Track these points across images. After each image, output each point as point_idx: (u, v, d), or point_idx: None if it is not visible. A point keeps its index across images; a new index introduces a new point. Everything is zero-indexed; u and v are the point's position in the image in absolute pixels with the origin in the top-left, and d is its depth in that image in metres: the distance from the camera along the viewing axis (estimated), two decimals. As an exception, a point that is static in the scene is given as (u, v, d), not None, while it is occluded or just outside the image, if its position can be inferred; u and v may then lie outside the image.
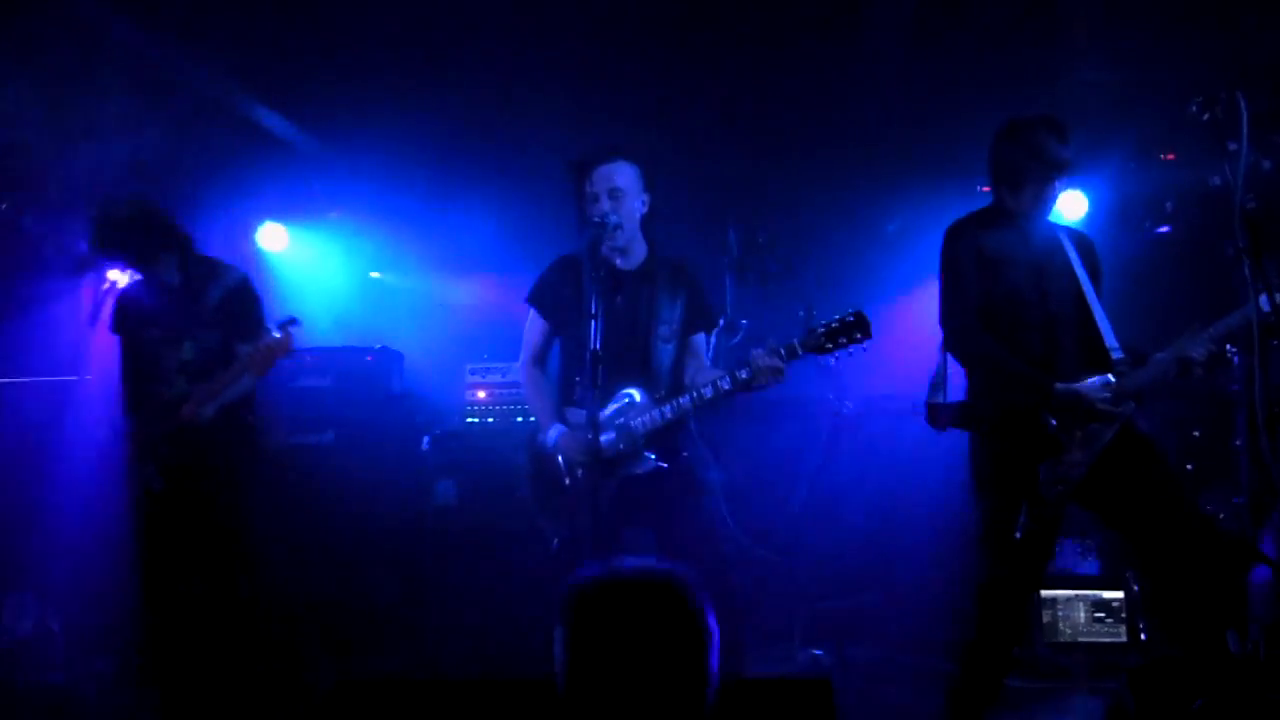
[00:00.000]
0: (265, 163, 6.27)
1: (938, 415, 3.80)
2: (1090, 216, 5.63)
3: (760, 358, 3.73)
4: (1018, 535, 3.55)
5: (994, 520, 3.63)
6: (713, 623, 2.21)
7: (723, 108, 5.73)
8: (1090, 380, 3.59)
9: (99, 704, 4.34)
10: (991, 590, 3.65)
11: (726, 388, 3.78)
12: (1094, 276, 3.78)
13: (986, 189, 3.95)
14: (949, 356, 3.82)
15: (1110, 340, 3.67)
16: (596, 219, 3.84)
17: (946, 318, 3.77)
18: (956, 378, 3.85)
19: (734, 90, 5.59)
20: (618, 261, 4.02)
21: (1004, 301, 3.68)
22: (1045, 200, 3.74)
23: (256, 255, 6.43)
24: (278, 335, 4.10)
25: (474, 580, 5.10)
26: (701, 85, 5.53)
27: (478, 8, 5.00)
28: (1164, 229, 5.84)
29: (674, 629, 2.15)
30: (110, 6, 4.81)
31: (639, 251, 4.07)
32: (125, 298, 4.49)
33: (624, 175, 3.97)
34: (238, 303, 4.34)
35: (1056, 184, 3.73)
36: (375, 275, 6.18)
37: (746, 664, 4.00)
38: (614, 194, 3.93)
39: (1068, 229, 3.92)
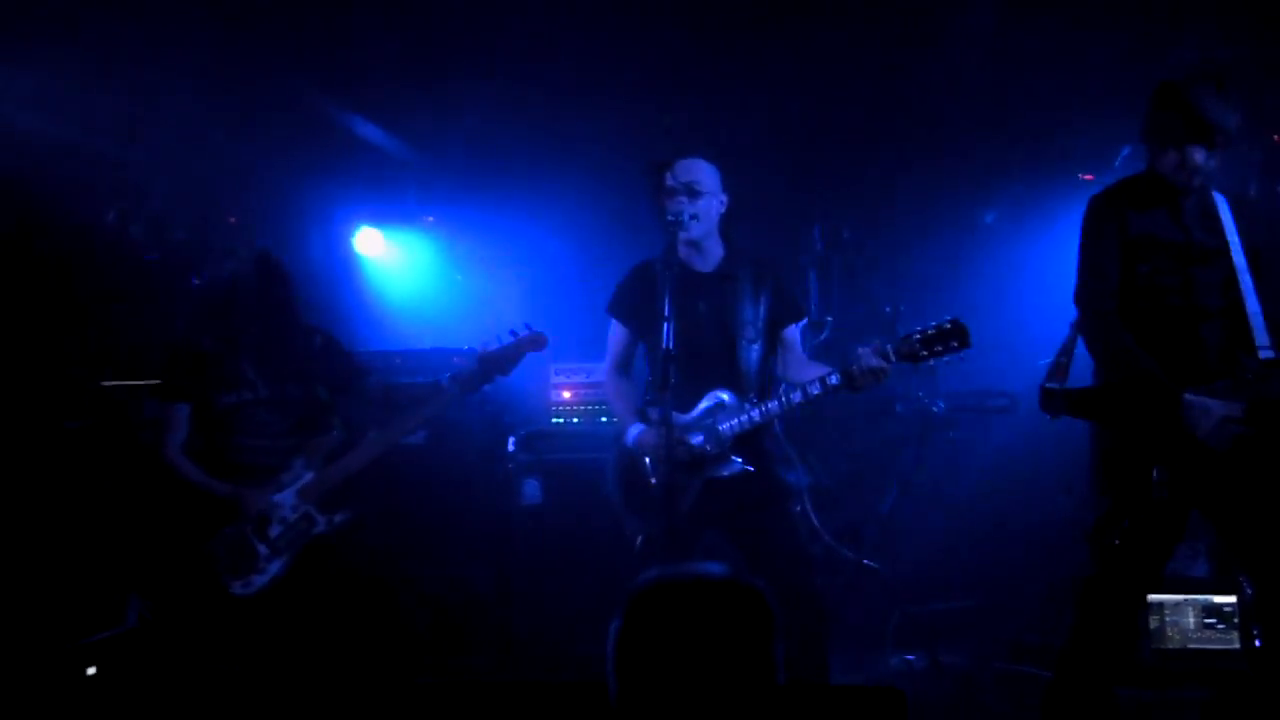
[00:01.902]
0: (362, 170, 6.42)
1: (1053, 401, 3.49)
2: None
3: (866, 356, 3.63)
4: (1115, 541, 3.36)
5: (1104, 519, 3.43)
6: (780, 632, 2.14)
7: (806, 99, 5.61)
8: (1223, 388, 3.31)
9: (201, 695, 4.46)
10: (1094, 592, 3.46)
11: (835, 383, 3.70)
12: (1252, 257, 3.46)
13: (1089, 177, 3.77)
14: (1080, 338, 3.55)
15: (1261, 337, 3.35)
16: (671, 217, 3.84)
17: (1083, 300, 3.50)
18: (1079, 361, 3.59)
19: (818, 80, 5.47)
20: (696, 264, 4.01)
21: (1145, 286, 3.43)
22: (1192, 169, 3.40)
23: (354, 258, 6.59)
24: (527, 335, 4.19)
25: (560, 579, 5.12)
26: (785, 76, 5.43)
27: (564, 14, 5.03)
28: None
29: (739, 635, 2.09)
30: (220, 24, 4.93)
31: (716, 252, 4.06)
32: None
33: (702, 171, 3.99)
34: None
35: (1201, 150, 3.37)
36: (458, 277, 6.31)
37: (831, 669, 3.92)
38: (691, 189, 3.94)
39: (1231, 198, 3.56)
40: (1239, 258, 3.43)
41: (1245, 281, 3.41)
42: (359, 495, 4.31)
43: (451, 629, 5.21)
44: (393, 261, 6.65)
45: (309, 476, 4.15)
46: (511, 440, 5.41)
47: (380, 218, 6.62)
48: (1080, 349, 3.58)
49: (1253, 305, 3.39)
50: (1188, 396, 3.29)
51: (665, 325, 3.61)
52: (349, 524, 4.18)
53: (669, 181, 3.96)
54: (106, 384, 5.45)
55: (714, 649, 2.04)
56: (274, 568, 4.08)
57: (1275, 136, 5.14)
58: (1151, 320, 3.42)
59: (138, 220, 5.77)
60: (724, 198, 4.03)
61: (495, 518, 5.28)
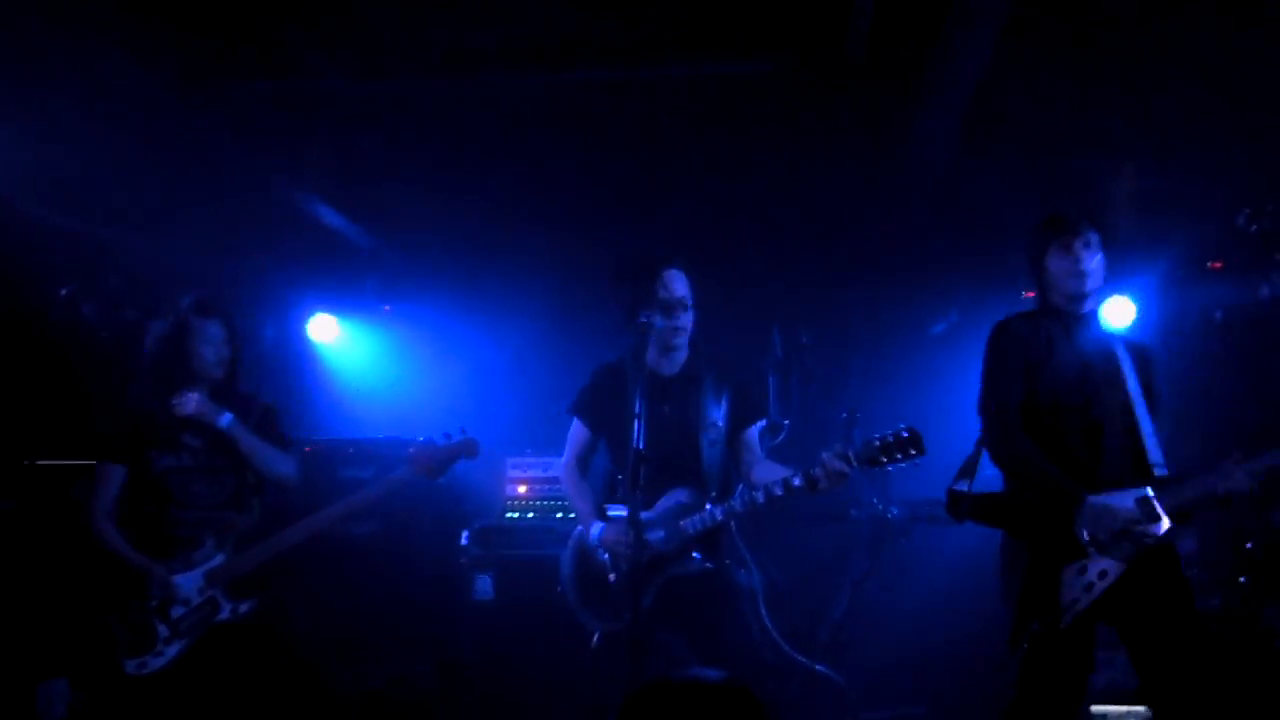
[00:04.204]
0: (320, 256, 6.42)
1: (959, 504, 3.62)
2: (1138, 324, 5.57)
3: (830, 460, 3.67)
4: (1024, 646, 3.41)
5: (1017, 630, 3.47)
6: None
7: (767, 208, 5.78)
8: (1125, 494, 3.43)
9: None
10: (1020, 709, 3.45)
11: (797, 485, 3.73)
12: (1148, 391, 3.62)
13: (1031, 294, 3.91)
14: (985, 449, 3.67)
15: (1155, 456, 3.52)
16: (643, 319, 3.87)
17: (986, 413, 3.65)
18: (988, 468, 3.68)
19: (779, 191, 5.65)
20: (662, 368, 4.06)
21: (1048, 403, 3.57)
22: (1080, 268, 3.57)
23: (307, 345, 6.55)
24: (459, 439, 4.11)
25: (510, 676, 5.06)
26: (745, 185, 5.60)
27: (524, 121, 5.16)
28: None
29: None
30: (182, 105, 4.94)
31: (681, 356, 4.11)
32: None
33: (687, 285, 4.06)
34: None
35: (1081, 233, 3.58)
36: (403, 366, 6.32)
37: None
38: (685, 303, 4.01)
39: (1126, 339, 3.79)
40: (1134, 385, 3.58)
41: (1140, 407, 3.56)
42: (289, 582, 4.21)
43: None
44: (347, 349, 6.63)
45: (219, 559, 3.95)
46: (465, 534, 5.37)
47: (336, 305, 6.61)
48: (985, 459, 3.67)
49: (1146, 425, 3.54)
50: (1091, 498, 3.39)
51: (636, 424, 3.63)
52: (255, 614, 3.97)
53: (661, 294, 3.97)
54: (41, 462, 5.30)
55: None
56: (172, 650, 3.87)
57: (1210, 264, 5.36)
58: (1056, 434, 3.54)
59: (91, 298, 5.68)
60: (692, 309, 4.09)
61: (444, 612, 5.21)
